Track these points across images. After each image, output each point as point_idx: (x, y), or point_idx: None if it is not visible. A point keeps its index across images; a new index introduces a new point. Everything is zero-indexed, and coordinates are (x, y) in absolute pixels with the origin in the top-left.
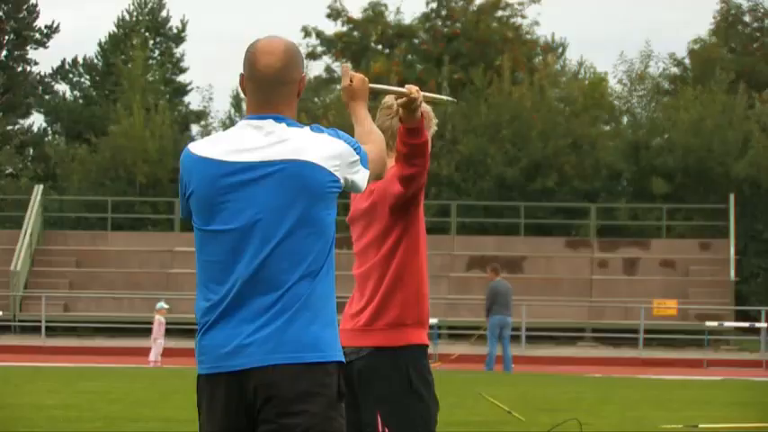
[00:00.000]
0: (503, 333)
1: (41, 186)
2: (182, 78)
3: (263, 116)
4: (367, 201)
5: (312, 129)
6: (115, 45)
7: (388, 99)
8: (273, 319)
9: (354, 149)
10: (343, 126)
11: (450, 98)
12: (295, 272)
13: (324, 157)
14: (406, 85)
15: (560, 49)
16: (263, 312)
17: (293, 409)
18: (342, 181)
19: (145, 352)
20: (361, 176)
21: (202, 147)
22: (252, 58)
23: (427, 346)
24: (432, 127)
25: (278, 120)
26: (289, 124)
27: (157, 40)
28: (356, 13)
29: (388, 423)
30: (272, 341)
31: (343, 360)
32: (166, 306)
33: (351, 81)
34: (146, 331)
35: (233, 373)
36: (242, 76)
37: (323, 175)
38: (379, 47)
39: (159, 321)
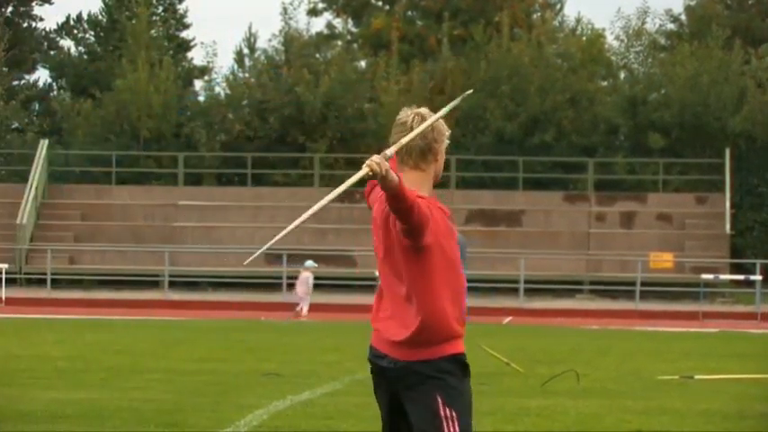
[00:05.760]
0: None
1: (47, 141)
2: (185, 34)
3: None
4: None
5: None
6: (119, 1)
7: (402, 116)
8: None
9: None
10: (343, 83)
11: (459, 99)
12: None
13: None
14: (367, 162)
15: (558, 6)
16: None
17: None
18: None
19: (148, 304)
20: None
21: None
22: None
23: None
24: (444, 141)
25: None
26: None
27: None
28: None
29: (448, 403)
30: None
31: None
32: (315, 265)
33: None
34: (149, 284)
35: None
36: None
37: None
38: (380, 3)
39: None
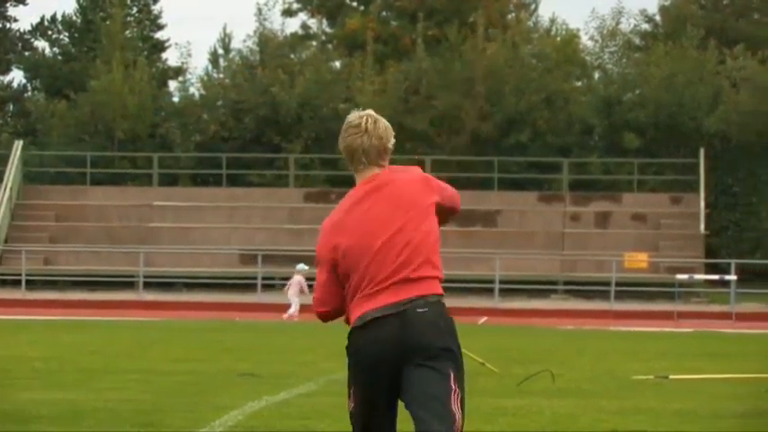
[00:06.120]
0: None
1: (21, 142)
2: (159, 35)
3: None
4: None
5: None
6: (94, 2)
7: (354, 119)
8: None
9: None
10: (318, 83)
11: None
12: None
13: None
14: None
15: (532, 6)
16: None
17: None
18: None
19: (123, 305)
20: None
21: None
22: None
23: None
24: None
25: None
26: None
27: None
28: None
29: (457, 379)
30: None
31: None
32: (306, 268)
33: None
34: (125, 284)
35: None
36: None
37: None
38: (355, 3)
39: (297, 281)
